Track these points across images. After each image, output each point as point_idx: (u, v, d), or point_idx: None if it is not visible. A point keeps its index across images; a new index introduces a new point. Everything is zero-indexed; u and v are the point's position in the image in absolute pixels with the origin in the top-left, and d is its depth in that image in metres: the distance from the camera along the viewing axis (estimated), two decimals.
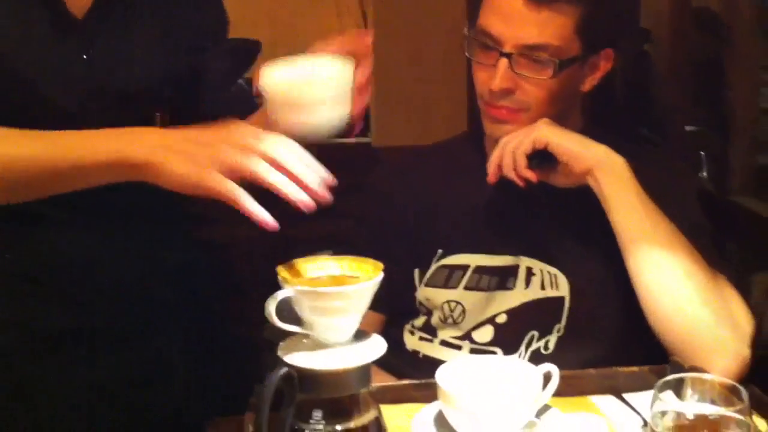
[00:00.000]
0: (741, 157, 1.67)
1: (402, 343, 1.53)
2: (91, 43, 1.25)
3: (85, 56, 1.25)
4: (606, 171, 1.34)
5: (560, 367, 1.18)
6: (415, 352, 1.51)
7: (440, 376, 1.14)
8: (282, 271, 1.04)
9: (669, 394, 1.02)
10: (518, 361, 1.26)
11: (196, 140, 1.05)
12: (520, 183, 1.38)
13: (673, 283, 1.28)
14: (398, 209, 1.53)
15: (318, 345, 1.06)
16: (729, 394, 1.00)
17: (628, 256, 1.32)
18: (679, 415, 0.97)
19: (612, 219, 1.34)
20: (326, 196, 1.04)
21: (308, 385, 1.06)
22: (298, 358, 1.03)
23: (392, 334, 1.53)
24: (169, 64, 1.31)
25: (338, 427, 1.06)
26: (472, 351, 1.46)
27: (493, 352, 1.45)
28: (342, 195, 1.38)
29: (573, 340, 1.44)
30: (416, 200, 1.53)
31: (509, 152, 1.38)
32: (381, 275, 1.04)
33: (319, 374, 1.06)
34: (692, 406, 1.01)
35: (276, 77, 1.14)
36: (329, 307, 1.03)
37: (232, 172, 1.02)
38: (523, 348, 1.45)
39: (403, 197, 1.54)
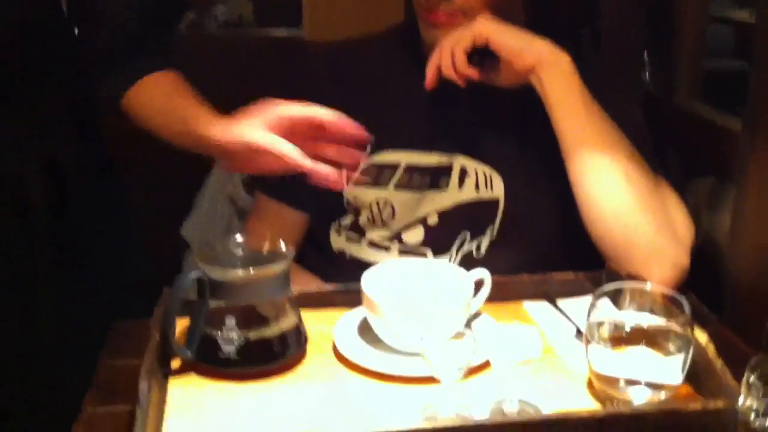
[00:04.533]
0: (687, 60, 1.61)
1: (328, 243, 1.46)
2: None
3: None
4: (550, 69, 1.26)
5: (492, 271, 1.13)
6: (342, 253, 1.45)
7: (365, 281, 1.07)
8: None
9: (606, 303, 0.96)
10: (449, 266, 1.20)
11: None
12: (460, 82, 1.29)
13: (613, 188, 1.23)
14: (324, 103, 1.44)
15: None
16: (669, 305, 0.96)
17: (570, 158, 1.26)
18: (616, 326, 0.92)
19: (554, 120, 1.27)
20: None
21: (221, 290, 0.98)
22: None
23: (318, 234, 1.47)
24: None
25: (252, 336, 0.99)
26: (401, 252, 1.41)
27: (423, 254, 1.40)
28: (273, 89, 1.28)
29: (506, 243, 1.39)
30: (345, 94, 1.44)
31: (447, 50, 1.29)
32: None
33: (232, 278, 0.98)
34: (631, 316, 0.96)
35: None
36: None
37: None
38: (454, 250, 1.39)
39: (331, 91, 1.44)
